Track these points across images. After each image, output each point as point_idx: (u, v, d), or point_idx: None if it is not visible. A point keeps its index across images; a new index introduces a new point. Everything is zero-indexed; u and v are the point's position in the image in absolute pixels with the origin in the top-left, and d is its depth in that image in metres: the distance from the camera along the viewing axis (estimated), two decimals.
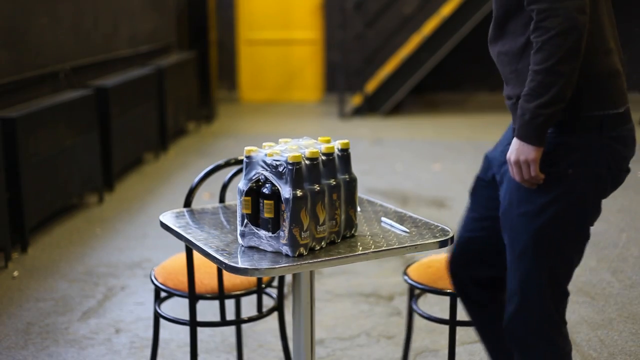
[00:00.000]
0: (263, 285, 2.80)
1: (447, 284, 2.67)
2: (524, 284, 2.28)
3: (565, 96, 2.10)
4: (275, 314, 3.02)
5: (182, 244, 2.46)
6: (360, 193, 2.38)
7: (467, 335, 3.40)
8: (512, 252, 2.30)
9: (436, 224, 2.37)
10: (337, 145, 2.23)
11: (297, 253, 2.08)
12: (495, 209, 2.39)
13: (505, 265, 2.38)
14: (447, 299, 2.75)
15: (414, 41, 9.32)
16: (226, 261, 2.07)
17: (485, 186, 2.47)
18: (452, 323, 2.70)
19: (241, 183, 2.17)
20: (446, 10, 9.11)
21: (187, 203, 2.67)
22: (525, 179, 2.18)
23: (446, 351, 3.02)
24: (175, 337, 3.56)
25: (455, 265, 2.57)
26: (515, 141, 2.16)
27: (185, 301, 2.70)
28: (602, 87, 2.20)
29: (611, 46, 2.24)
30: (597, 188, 2.23)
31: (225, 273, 2.68)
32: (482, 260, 2.51)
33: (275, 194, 2.10)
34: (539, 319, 2.30)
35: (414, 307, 2.86)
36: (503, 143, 2.41)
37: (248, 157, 2.16)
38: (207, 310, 3.62)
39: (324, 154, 2.17)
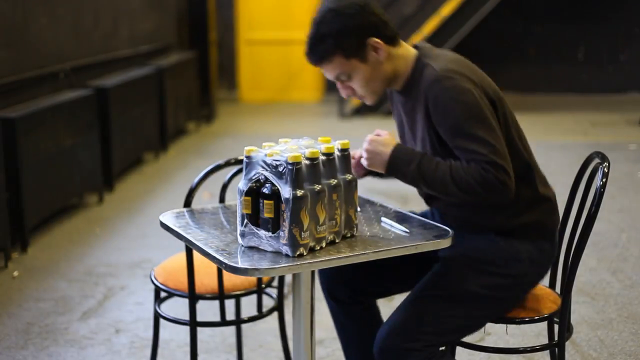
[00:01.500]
0: (263, 285, 2.80)
1: None
2: (425, 317, 2.33)
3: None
4: (275, 314, 3.02)
5: (182, 244, 2.46)
6: (360, 193, 2.38)
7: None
8: (435, 285, 2.37)
9: (436, 223, 2.37)
10: (337, 145, 2.23)
11: (297, 253, 2.08)
12: None
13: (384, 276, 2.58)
14: None
15: (414, 41, 9.29)
16: (226, 261, 2.07)
17: None
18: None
19: (241, 183, 2.17)
20: (446, 10, 9.11)
21: (187, 203, 2.67)
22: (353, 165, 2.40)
23: None
24: (175, 337, 3.56)
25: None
26: (389, 155, 2.32)
27: (185, 301, 2.70)
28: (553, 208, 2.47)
29: (542, 174, 2.46)
30: (538, 277, 2.45)
31: (225, 273, 2.68)
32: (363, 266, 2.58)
33: (275, 194, 2.10)
34: (416, 347, 2.32)
35: None
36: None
37: (248, 157, 2.16)
38: (207, 310, 3.62)
39: (324, 154, 2.17)
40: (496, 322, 2.46)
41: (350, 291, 2.62)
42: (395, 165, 2.32)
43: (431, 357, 2.31)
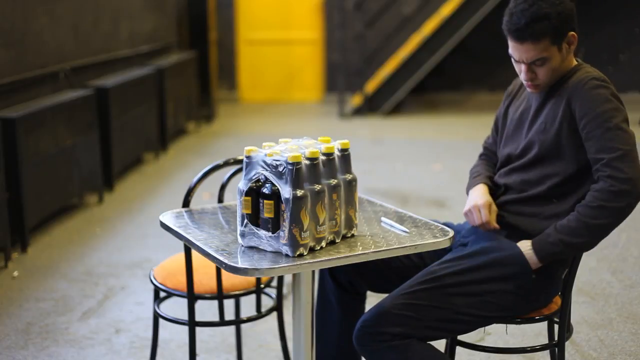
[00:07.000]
0: (262, 286, 2.80)
1: None
2: (411, 304, 2.33)
3: (587, 249, 2.37)
4: (274, 314, 3.02)
5: (182, 244, 2.46)
6: (360, 193, 2.38)
7: (467, 336, 3.40)
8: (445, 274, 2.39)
9: (436, 223, 2.37)
10: (337, 145, 2.23)
11: (297, 253, 2.08)
12: None
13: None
14: None
15: (414, 41, 9.31)
16: (226, 261, 2.07)
17: None
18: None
19: (241, 183, 2.17)
20: (446, 10, 9.11)
21: (186, 203, 2.66)
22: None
23: None
24: (175, 337, 3.56)
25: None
26: (530, 247, 2.38)
27: (185, 301, 2.70)
28: None
29: None
30: (536, 302, 2.47)
31: (224, 273, 2.68)
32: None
33: (275, 194, 2.10)
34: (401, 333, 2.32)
35: None
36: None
37: (248, 157, 2.16)
38: (207, 310, 3.62)
39: (324, 154, 2.17)
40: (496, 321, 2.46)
41: (350, 276, 2.63)
42: (544, 251, 2.36)
43: (406, 347, 2.30)
